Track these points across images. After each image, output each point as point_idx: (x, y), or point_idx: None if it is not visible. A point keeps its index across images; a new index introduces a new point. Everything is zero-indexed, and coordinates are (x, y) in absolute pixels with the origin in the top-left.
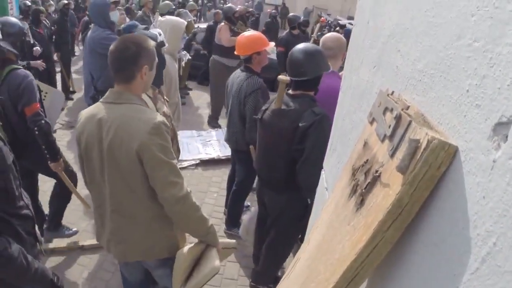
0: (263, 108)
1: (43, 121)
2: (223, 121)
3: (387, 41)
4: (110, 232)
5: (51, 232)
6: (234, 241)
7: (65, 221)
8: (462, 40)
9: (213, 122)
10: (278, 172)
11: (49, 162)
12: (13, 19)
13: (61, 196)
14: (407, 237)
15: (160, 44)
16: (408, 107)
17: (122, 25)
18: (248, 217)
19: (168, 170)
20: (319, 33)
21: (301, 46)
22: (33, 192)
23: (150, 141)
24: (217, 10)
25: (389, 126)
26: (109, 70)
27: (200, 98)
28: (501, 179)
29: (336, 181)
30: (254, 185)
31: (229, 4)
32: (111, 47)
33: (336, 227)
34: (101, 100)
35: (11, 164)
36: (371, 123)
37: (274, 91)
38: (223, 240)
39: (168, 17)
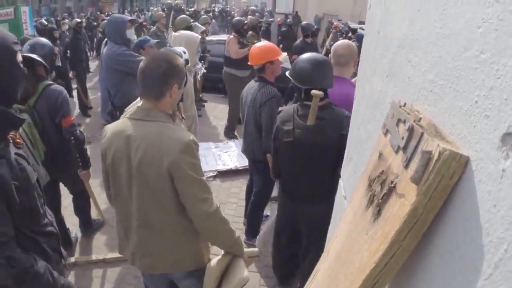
0: (285, 128)
1: (78, 132)
2: (239, 132)
3: (397, 51)
4: (135, 246)
5: (86, 232)
6: (257, 249)
7: (85, 233)
8: (470, 51)
9: (230, 133)
10: (322, 184)
11: (79, 170)
12: (44, 40)
13: (82, 208)
14: (423, 246)
15: (184, 63)
16: (420, 119)
17: (136, 41)
18: (263, 230)
19: (198, 187)
20: (332, 42)
21: (308, 56)
22: (56, 206)
23: (181, 159)
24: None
25: (402, 138)
26: (126, 86)
27: (215, 109)
28: (510, 188)
29: (354, 191)
30: (273, 194)
31: (237, 17)
32: (142, 64)
33: (354, 237)
34: (127, 116)
35: (35, 183)
36: (385, 134)
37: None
38: (247, 249)
39: (182, 31)
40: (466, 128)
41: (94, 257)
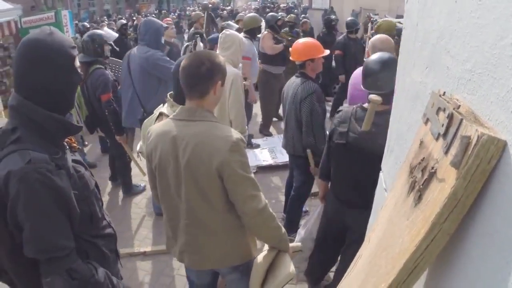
0: (341, 130)
1: (112, 106)
2: (274, 129)
3: (436, 42)
4: (184, 244)
5: (127, 194)
6: (299, 244)
7: (127, 227)
8: (505, 40)
9: (265, 130)
10: (371, 190)
11: (115, 136)
12: (99, 31)
13: (121, 170)
14: (463, 229)
15: None
16: (459, 106)
17: (209, 37)
18: (301, 236)
19: (248, 185)
20: (373, 31)
21: (376, 56)
22: None
23: (231, 158)
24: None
25: (442, 125)
26: (161, 91)
27: (254, 106)
28: None
29: (395, 180)
30: (313, 190)
31: (271, 13)
32: (184, 62)
33: (395, 223)
34: (171, 117)
35: (94, 189)
36: (426, 123)
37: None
38: (290, 244)
39: (231, 31)
40: (503, 114)
41: (135, 249)
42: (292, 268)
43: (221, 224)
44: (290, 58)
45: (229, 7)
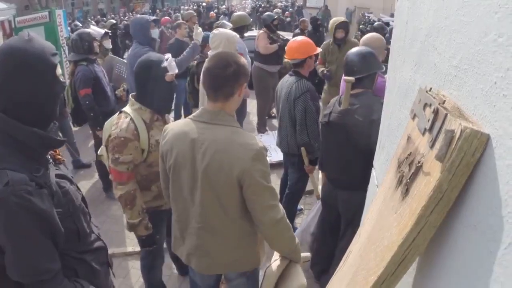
0: (325, 112)
1: (87, 102)
2: (270, 126)
3: (424, 40)
4: (193, 247)
5: (105, 192)
6: (308, 254)
7: (122, 226)
8: (489, 36)
9: (262, 129)
10: (355, 170)
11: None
12: (87, 30)
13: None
14: (449, 221)
15: (164, 70)
16: (444, 102)
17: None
18: (301, 228)
19: (267, 195)
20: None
21: (355, 49)
22: None
23: (253, 167)
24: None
25: (428, 120)
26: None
27: (249, 105)
28: None
29: (385, 175)
30: (307, 188)
31: (268, 12)
32: (209, 63)
33: (384, 217)
34: (191, 117)
35: (80, 204)
36: (413, 118)
37: None
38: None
39: (221, 29)
40: (487, 108)
41: (130, 249)
42: (304, 280)
43: (234, 230)
44: (288, 57)
45: (223, 6)
